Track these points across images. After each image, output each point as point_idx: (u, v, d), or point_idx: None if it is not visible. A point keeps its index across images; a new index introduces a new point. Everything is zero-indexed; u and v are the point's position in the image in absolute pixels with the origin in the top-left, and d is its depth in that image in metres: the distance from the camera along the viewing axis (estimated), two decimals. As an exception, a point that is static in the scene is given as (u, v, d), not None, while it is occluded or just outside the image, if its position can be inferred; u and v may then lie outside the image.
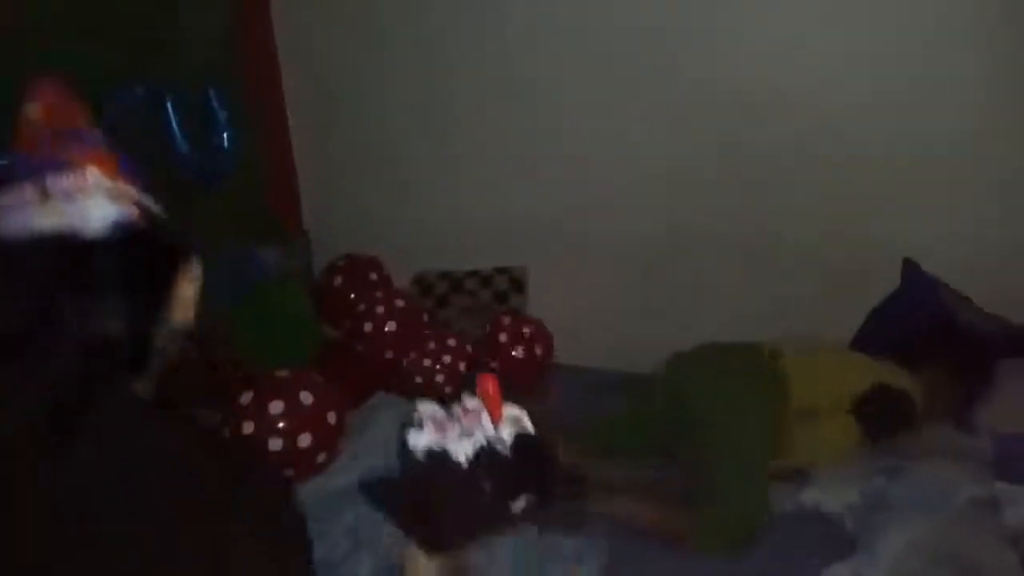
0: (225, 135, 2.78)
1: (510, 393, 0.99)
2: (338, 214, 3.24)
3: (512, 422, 0.96)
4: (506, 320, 2.66)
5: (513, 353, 2.61)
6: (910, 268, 2.37)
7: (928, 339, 2.14)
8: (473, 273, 2.94)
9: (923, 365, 2.03)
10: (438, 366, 2.49)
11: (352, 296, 2.85)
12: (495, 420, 0.95)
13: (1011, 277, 2.33)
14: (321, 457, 1.98)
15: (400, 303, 2.71)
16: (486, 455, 0.93)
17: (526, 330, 2.65)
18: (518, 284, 2.91)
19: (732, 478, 1.80)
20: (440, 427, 0.95)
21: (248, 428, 1.90)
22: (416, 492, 0.95)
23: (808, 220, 2.57)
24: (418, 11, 2.91)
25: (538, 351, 2.64)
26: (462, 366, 2.53)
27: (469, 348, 2.59)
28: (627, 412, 2.16)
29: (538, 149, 2.87)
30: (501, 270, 2.93)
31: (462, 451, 0.93)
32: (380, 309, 2.66)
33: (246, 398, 1.95)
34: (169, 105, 2.58)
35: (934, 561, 1.58)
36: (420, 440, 0.94)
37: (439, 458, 0.93)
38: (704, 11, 2.55)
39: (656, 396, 2.10)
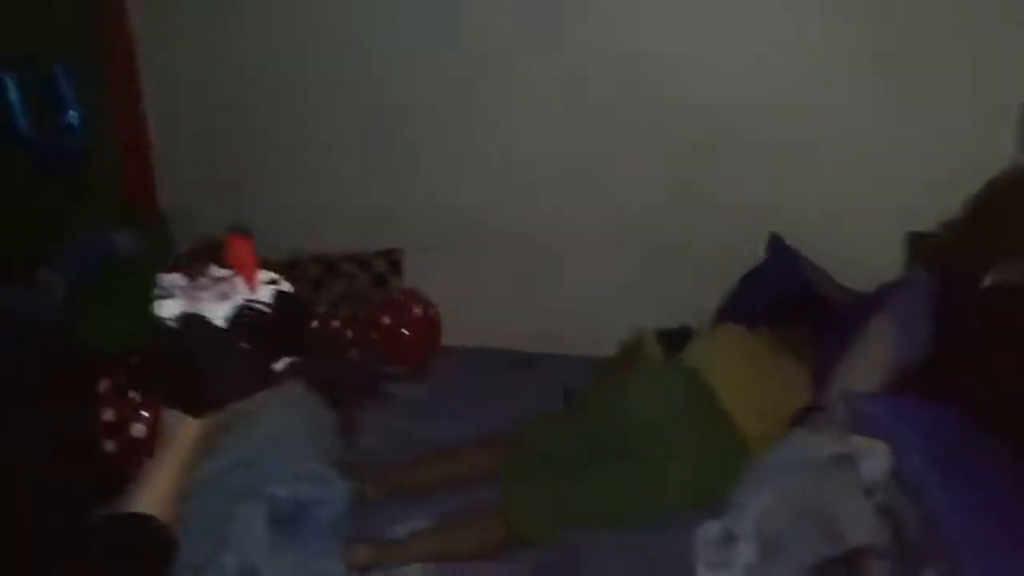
0: (73, 114, 2.61)
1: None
2: (200, 196, 3.07)
3: (269, 283, 0.97)
4: (393, 298, 2.64)
5: (403, 331, 2.59)
6: (775, 242, 2.51)
7: (791, 306, 2.27)
8: (350, 256, 2.87)
9: (788, 331, 2.16)
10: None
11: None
12: (251, 283, 0.95)
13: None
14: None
15: (271, 287, 2.61)
16: (246, 315, 0.93)
17: (415, 310, 2.65)
18: (396, 266, 2.86)
19: (603, 484, 1.81)
20: (191, 295, 0.94)
21: (108, 415, 1.80)
22: (174, 357, 0.94)
23: (678, 204, 2.65)
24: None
25: (425, 331, 2.63)
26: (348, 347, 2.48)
27: (349, 333, 2.53)
28: (560, 422, 2.11)
29: (412, 131, 2.83)
30: (379, 252, 2.87)
31: (220, 313, 0.93)
32: (250, 294, 2.56)
33: (104, 385, 1.85)
34: (9, 83, 2.40)
35: (797, 514, 1.67)
36: (170, 308, 0.93)
37: (195, 321, 0.92)
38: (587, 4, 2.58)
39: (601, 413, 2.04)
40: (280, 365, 0.95)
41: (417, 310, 2.65)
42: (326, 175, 2.97)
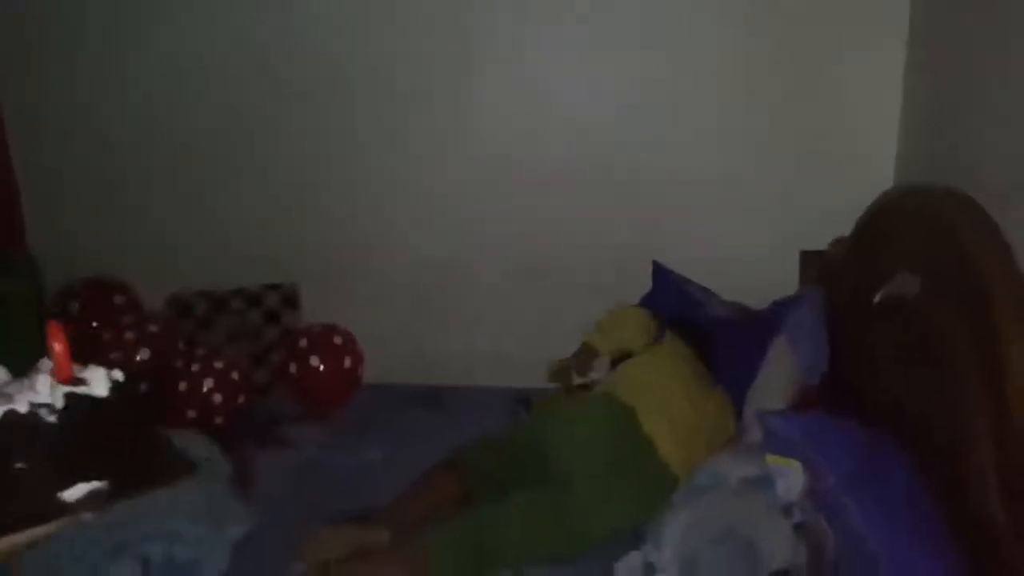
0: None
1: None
2: (71, 234, 2.87)
3: (81, 382, 0.74)
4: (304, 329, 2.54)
5: (315, 364, 2.46)
6: (659, 269, 2.53)
7: (681, 329, 2.27)
8: (238, 291, 2.70)
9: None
10: (209, 391, 2.29)
11: (94, 324, 2.54)
12: (63, 379, 0.73)
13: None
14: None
15: (153, 328, 2.44)
16: (20, 425, 0.68)
17: (337, 341, 2.53)
18: (291, 301, 2.72)
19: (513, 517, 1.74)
20: None
21: None
22: None
23: (574, 238, 2.66)
24: (160, 14, 2.66)
25: (347, 363, 2.51)
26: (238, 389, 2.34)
27: (235, 374, 2.39)
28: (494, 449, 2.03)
29: (305, 157, 2.72)
30: (271, 287, 2.72)
31: None
32: (130, 335, 2.38)
33: None
34: None
35: (714, 538, 1.66)
36: None
37: None
38: (472, 36, 2.56)
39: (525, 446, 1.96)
40: (74, 493, 0.71)
41: (348, 361, 2.52)
42: (211, 206, 2.81)
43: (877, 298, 1.81)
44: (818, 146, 2.51)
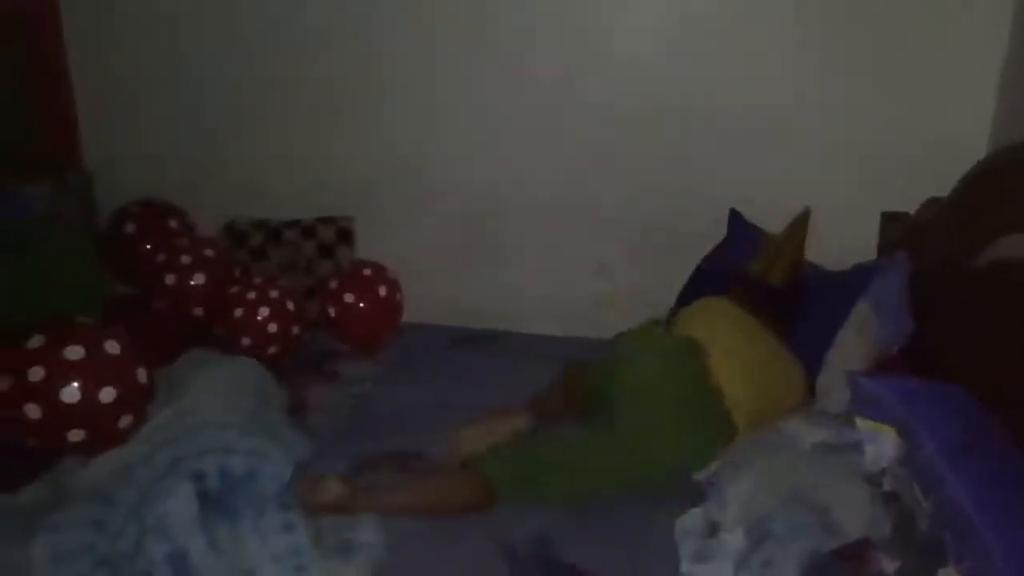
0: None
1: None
2: (129, 153, 2.82)
3: None
4: (358, 274, 2.47)
5: (353, 301, 2.41)
6: (736, 218, 2.42)
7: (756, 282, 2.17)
8: (294, 223, 2.65)
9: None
10: (264, 320, 2.25)
11: (148, 246, 2.50)
12: None
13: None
14: (125, 420, 1.68)
15: (209, 253, 2.39)
16: None
17: (367, 273, 2.47)
18: (346, 235, 2.65)
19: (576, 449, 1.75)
20: None
21: (37, 374, 1.60)
22: None
23: (625, 178, 2.57)
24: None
25: (383, 297, 2.45)
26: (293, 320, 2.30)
27: (291, 305, 2.34)
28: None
29: (364, 89, 2.64)
30: (326, 220, 2.66)
31: None
32: (186, 259, 2.34)
33: (36, 340, 1.65)
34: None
35: (784, 499, 1.57)
36: None
37: None
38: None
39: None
40: None
41: (383, 290, 2.45)
42: (269, 135, 2.74)
43: (982, 260, 1.68)
44: (907, 108, 2.36)
